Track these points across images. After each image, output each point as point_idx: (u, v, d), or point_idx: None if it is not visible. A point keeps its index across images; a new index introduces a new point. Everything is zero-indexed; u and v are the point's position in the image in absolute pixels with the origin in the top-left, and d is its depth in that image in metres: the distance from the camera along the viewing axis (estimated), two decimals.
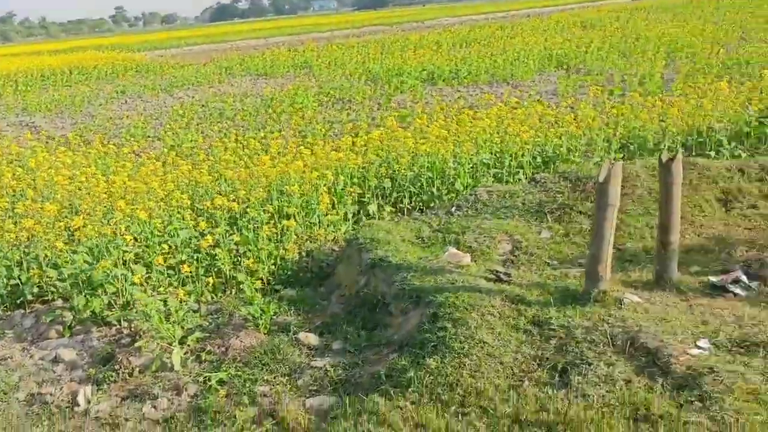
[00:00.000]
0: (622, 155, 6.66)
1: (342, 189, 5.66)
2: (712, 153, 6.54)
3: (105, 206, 5.21)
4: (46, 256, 4.80)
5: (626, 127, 7.15)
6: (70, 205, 5.54)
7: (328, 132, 8.76)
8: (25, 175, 6.62)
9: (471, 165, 6.12)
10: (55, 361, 4.12)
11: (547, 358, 3.18)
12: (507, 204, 5.36)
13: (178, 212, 5.10)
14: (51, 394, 3.71)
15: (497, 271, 4.13)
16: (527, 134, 6.29)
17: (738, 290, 3.75)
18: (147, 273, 4.52)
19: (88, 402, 3.63)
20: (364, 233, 4.83)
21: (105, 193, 5.37)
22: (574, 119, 6.86)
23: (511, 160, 6.28)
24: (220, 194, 5.58)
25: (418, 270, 4.18)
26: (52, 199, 5.56)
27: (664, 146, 6.58)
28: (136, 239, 4.71)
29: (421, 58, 17.46)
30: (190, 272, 4.54)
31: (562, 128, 6.67)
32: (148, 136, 10.86)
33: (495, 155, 6.33)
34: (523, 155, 6.32)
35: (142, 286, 4.29)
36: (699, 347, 3.08)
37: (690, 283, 3.86)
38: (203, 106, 14.07)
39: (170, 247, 4.77)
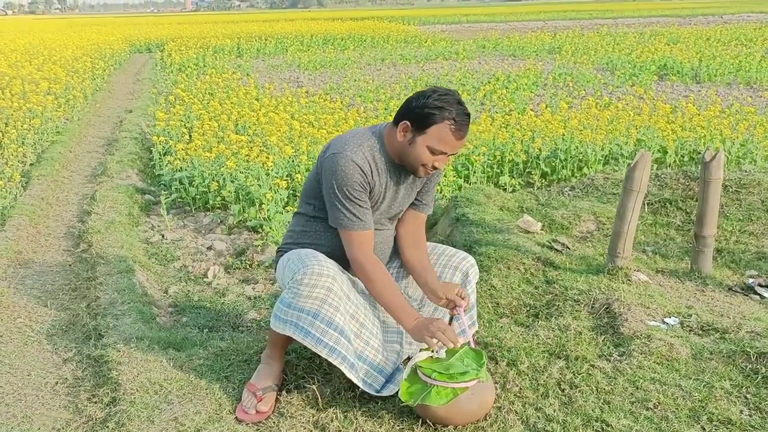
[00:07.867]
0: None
1: (472, 156, 6.35)
2: None
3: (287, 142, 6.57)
4: (229, 173, 6.24)
5: None
6: (259, 138, 7.03)
7: (514, 110, 9.35)
8: (249, 113, 8.28)
9: (605, 153, 6.41)
10: (210, 248, 5.50)
11: (534, 306, 3.72)
12: (616, 191, 5.66)
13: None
14: (193, 267, 5.06)
15: (555, 241, 4.63)
16: (671, 128, 6.39)
17: (765, 293, 3.85)
18: (289, 195, 5.73)
19: (214, 277, 4.91)
20: (465, 194, 5.53)
21: (286, 133, 6.74)
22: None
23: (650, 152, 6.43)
24: None
25: (488, 228, 4.83)
26: (245, 132, 7.10)
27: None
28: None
29: (665, 52, 16.80)
30: None
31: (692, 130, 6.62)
32: (376, 99, 12.31)
33: (633, 146, 6.53)
34: (665, 151, 6.44)
35: (276, 204, 5.49)
36: (665, 323, 3.41)
37: (723, 280, 4.03)
38: (438, 78, 15.23)
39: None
